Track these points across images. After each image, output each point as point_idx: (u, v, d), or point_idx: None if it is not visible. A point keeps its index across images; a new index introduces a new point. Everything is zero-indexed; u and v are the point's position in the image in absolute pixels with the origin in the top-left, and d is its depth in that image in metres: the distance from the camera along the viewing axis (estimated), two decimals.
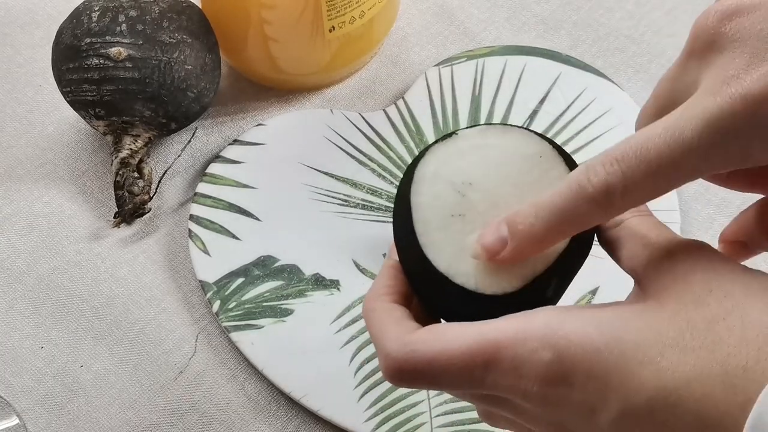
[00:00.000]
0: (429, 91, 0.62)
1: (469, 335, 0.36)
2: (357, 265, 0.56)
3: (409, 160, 0.60)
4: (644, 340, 0.34)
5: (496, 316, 0.37)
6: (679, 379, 0.33)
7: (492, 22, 0.67)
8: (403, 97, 0.63)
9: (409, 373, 0.37)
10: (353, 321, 0.54)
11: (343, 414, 0.52)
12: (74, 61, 0.57)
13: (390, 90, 0.64)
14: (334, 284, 0.56)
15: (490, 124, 0.40)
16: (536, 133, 0.40)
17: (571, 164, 0.40)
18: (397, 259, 0.41)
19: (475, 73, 0.63)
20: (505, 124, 0.41)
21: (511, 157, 0.40)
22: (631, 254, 0.38)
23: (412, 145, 0.60)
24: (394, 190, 0.59)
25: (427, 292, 0.40)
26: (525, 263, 0.38)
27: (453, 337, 0.36)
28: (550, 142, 0.40)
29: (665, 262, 0.36)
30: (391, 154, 0.60)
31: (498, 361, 0.35)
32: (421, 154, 0.40)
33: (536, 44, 0.65)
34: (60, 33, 0.59)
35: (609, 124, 0.60)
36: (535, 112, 0.61)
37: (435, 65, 0.64)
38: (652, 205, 0.57)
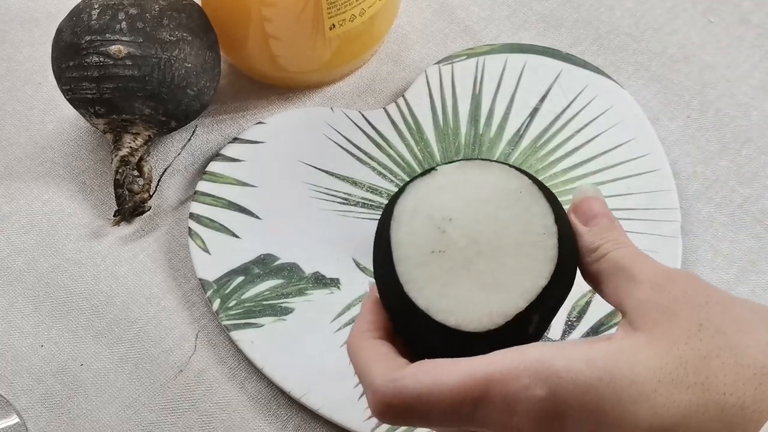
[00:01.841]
0: (429, 89, 0.62)
1: (460, 370, 0.36)
2: (357, 264, 0.56)
3: (410, 159, 0.60)
4: (637, 376, 0.34)
5: (477, 353, 0.36)
6: (674, 416, 0.33)
7: (492, 20, 0.67)
8: (403, 95, 0.63)
9: (398, 409, 0.36)
10: (353, 320, 0.54)
11: (343, 413, 0.51)
12: (74, 59, 0.57)
13: (390, 88, 0.64)
14: (334, 283, 0.56)
15: (469, 159, 0.40)
16: (516, 168, 0.40)
17: (551, 199, 0.39)
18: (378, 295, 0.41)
19: (476, 71, 0.63)
20: (484, 159, 0.40)
21: (490, 193, 0.39)
22: (616, 288, 0.38)
23: (412, 143, 0.60)
24: (395, 189, 0.59)
25: (408, 329, 0.40)
26: (506, 300, 0.38)
27: (443, 372, 0.36)
28: (530, 176, 0.40)
29: (651, 296, 0.36)
30: (392, 152, 0.60)
31: (489, 396, 0.35)
32: (401, 190, 0.40)
33: (537, 42, 0.65)
34: (60, 31, 0.59)
35: (609, 122, 0.60)
36: (535, 110, 0.61)
37: (435, 63, 0.64)
38: (653, 203, 0.57)
